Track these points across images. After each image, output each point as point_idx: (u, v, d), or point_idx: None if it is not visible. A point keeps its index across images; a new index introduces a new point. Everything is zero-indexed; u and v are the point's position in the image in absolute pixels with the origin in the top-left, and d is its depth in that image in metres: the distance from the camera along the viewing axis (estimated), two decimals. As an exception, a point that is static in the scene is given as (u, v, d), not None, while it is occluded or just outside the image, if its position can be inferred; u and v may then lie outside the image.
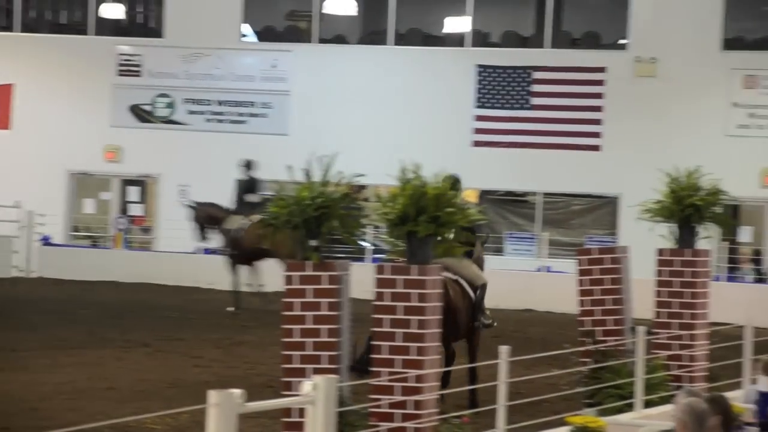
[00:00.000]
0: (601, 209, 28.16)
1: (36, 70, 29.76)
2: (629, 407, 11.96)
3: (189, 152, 29.13)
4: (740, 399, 11.08)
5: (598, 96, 27.65)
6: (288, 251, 21.25)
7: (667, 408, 10.42)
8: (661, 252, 13.72)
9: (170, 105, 29.46)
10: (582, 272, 13.67)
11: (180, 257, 26.89)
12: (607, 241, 26.50)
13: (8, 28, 30.67)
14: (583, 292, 13.58)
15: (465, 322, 13.60)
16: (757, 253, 26.38)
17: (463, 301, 13.57)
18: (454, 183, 13.77)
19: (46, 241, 27.97)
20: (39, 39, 30.26)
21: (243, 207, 23.01)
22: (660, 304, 13.61)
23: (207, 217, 23.17)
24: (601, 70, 27.67)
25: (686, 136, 26.78)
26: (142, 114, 29.59)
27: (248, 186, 23.24)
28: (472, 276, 13.70)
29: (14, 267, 27.28)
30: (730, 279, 25.01)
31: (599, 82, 27.68)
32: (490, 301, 17.55)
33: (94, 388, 14.12)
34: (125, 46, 29.79)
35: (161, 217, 29.31)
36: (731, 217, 25.00)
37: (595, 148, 27.60)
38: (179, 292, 25.11)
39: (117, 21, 31.27)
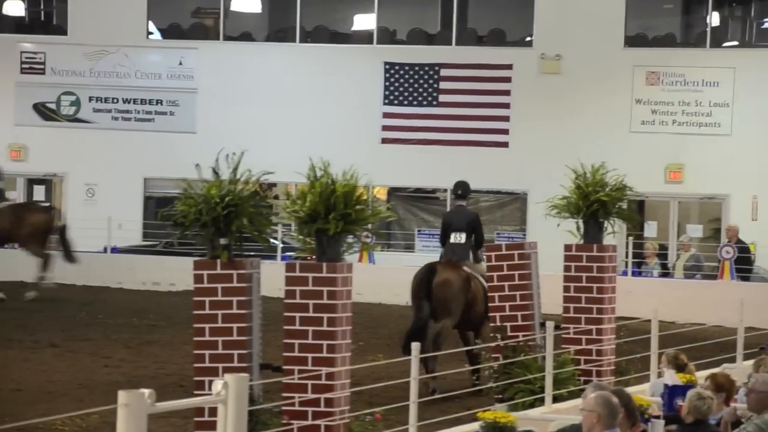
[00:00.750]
0: (510, 205, 28.40)
1: (-63, 69, 29.28)
2: (540, 402, 12.08)
3: (95, 150, 28.85)
4: (647, 392, 11.25)
5: (505, 93, 27.87)
6: (30, 237, 22.46)
7: (576, 402, 10.53)
8: (568, 247, 13.87)
9: (75, 103, 29.14)
10: (491, 268, 13.78)
11: (88, 256, 26.56)
12: (516, 237, 26.73)
13: None
14: (493, 288, 13.69)
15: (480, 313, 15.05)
16: (663, 247, 26.77)
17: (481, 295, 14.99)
18: (457, 190, 16.33)
19: (-51, 242, 27.49)
20: (-60, 37, 29.77)
21: None
22: (568, 299, 13.76)
23: None
24: (507, 67, 27.89)
25: (592, 132, 27.09)
26: (46, 112, 29.24)
27: None
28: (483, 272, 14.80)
29: None
30: (636, 273, 25.35)
31: (506, 79, 27.90)
32: (400, 299, 17.65)
33: (1, 390, 13.94)
34: (28, 43, 29.41)
35: (68, 216, 28.96)
36: (637, 212, 25.35)
37: (503, 144, 27.82)
38: (88, 291, 24.85)
39: (19, 18, 30.84)
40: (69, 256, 23.48)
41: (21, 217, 23.40)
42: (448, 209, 19.17)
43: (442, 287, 14.98)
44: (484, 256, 14.86)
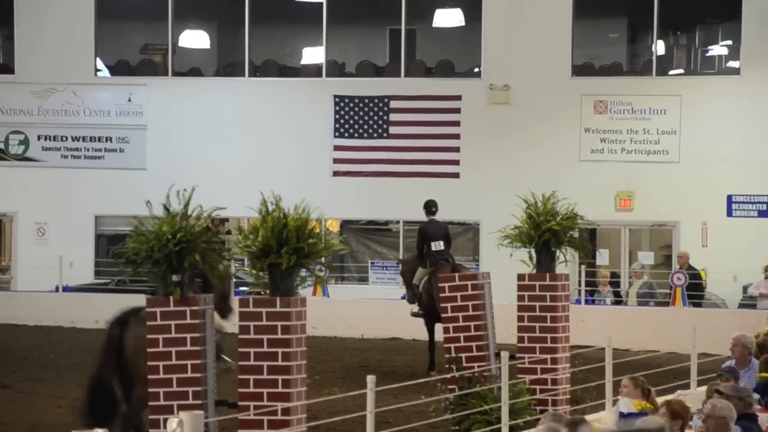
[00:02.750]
0: (463, 236, 28.45)
1: None
2: (496, 432, 12.08)
3: (45, 189, 28.65)
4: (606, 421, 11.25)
5: (455, 124, 27.96)
6: None
7: None
8: (521, 277, 13.92)
9: (24, 142, 28.96)
10: (444, 299, 13.80)
11: (39, 296, 26.38)
12: (469, 267, 26.75)
13: None
14: (447, 319, 13.71)
15: None
16: (615, 275, 26.90)
17: None
18: (428, 205, 19.49)
19: None
20: None
21: None
22: (522, 329, 13.80)
23: None
24: (456, 98, 28.00)
25: (542, 161, 27.22)
26: (-5, 151, 29.03)
27: None
28: None
29: None
30: (590, 302, 25.45)
31: (455, 110, 28.00)
32: (355, 332, 17.67)
33: (-48, 434, 13.79)
34: (-25, 82, 29.22)
35: (18, 256, 28.74)
36: (588, 240, 25.48)
37: (454, 175, 27.89)
38: (39, 331, 24.63)
39: (-34, 57, 30.65)
40: None
41: None
42: (425, 223, 20.05)
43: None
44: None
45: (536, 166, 26.94)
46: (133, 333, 11.81)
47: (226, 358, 12.26)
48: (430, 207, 19.82)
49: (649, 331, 22.50)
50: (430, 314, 18.73)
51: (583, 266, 25.20)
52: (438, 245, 19.19)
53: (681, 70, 29.21)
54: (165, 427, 6.51)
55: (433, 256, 19.13)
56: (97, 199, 28.44)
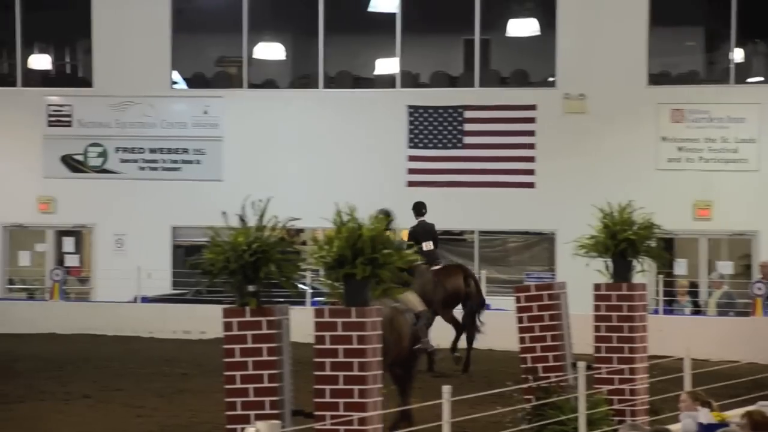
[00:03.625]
0: (538, 246, 28.33)
1: (-35, 123, 29.51)
2: (573, 442, 12.00)
3: (123, 201, 28.97)
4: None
5: (530, 133, 27.86)
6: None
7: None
8: (597, 287, 13.83)
9: (102, 154, 29.31)
10: (521, 309, 13.74)
11: (118, 306, 26.67)
12: (545, 277, 26.64)
13: (-64, 82, 30.39)
14: (523, 329, 13.65)
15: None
16: (693, 285, 26.63)
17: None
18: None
19: (-19, 296, 27.66)
20: (-33, 92, 30.02)
21: None
22: (599, 339, 13.71)
23: None
24: (531, 107, 27.89)
25: (618, 170, 27.03)
26: (74, 164, 29.40)
27: None
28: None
29: (-51, 323, 26.91)
30: (668, 312, 25.21)
31: (530, 120, 27.90)
32: (432, 342, 17.55)
33: (34, 443, 13.97)
34: (54, 96, 29.62)
35: (98, 266, 29.07)
36: (665, 250, 25.26)
37: (529, 185, 27.78)
38: (118, 341, 24.89)
39: (45, 71, 31.09)
40: None
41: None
42: (415, 224, 21.37)
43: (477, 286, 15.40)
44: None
45: (612, 175, 26.76)
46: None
47: (428, 339, 14.13)
48: (420, 209, 21.03)
49: (728, 341, 22.24)
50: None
51: (661, 276, 24.97)
52: (429, 245, 20.25)
53: (760, 78, 28.86)
54: (242, 436, 6.56)
55: (424, 257, 19.78)
56: (174, 210, 28.70)
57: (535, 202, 27.54)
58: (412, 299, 14.60)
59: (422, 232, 20.52)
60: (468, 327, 20.40)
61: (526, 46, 29.26)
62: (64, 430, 14.69)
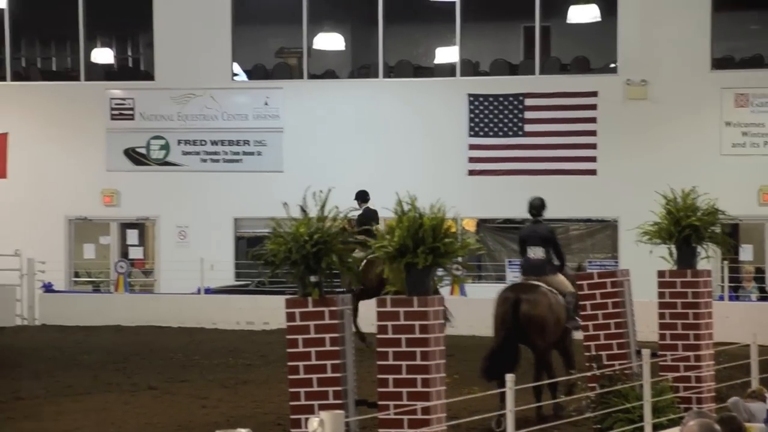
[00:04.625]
0: (601, 233, 28.17)
1: (30, 118, 29.80)
2: (639, 431, 11.92)
3: (186, 193, 29.15)
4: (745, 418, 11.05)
5: (592, 120, 27.69)
6: None
7: (675, 430, 10.38)
8: (661, 274, 13.72)
9: (164, 147, 29.50)
10: (584, 297, 13.68)
11: (182, 298, 26.84)
12: (608, 264, 26.48)
13: (0, 77, 30.73)
14: (586, 317, 13.59)
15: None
16: (759, 271, 26.36)
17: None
18: (364, 197, 19.51)
19: (47, 288, 27.93)
20: (31, 87, 30.32)
21: None
22: (663, 326, 13.61)
23: None
24: (592, 94, 27.72)
25: (681, 156, 26.81)
26: (137, 157, 29.62)
27: None
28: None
29: (17, 315, 27.22)
30: (733, 298, 24.98)
31: (591, 107, 27.73)
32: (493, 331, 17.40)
33: (101, 434, 14.10)
34: (117, 90, 29.85)
35: (161, 258, 29.30)
36: (730, 236, 25.02)
37: (591, 172, 27.62)
38: (182, 333, 25.06)
39: (108, 65, 31.35)
40: None
41: None
42: (363, 210, 22.02)
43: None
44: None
45: (675, 161, 26.55)
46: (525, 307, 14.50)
47: (576, 318, 14.50)
48: (365, 196, 22.37)
49: (795, 327, 21.97)
50: (364, 293, 19.78)
51: (726, 262, 24.73)
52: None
53: (825, 60, 28.49)
54: (306, 426, 6.55)
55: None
56: (236, 201, 28.84)
57: (597, 189, 27.38)
58: (563, 281, 15.05)
59: (367, 217, 21.44)
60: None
61: (586, 32, 29.07)
62: (130, 421, 14.81)
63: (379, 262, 11.24)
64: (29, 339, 24.40)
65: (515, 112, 28.02)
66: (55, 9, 30.67)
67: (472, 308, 24.14)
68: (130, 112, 29.63)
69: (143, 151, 29.53)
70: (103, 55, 31.25)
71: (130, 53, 32.73)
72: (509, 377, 10.16)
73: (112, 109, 29.68)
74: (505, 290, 15.25)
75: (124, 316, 26.57)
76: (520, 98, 28.03)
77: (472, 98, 28.22)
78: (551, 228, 16.80)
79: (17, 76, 30.64)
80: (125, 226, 29.87)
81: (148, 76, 30.18)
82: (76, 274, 29.94)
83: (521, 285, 15.47)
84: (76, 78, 30.31)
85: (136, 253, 29.77)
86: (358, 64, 30.44)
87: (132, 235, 29.83)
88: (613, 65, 28.07)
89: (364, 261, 18.72)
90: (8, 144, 29.62)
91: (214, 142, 29.27)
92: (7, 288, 27.12)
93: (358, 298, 20.01)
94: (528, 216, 16.43)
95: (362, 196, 22.45)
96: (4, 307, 26.95)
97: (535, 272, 15.40)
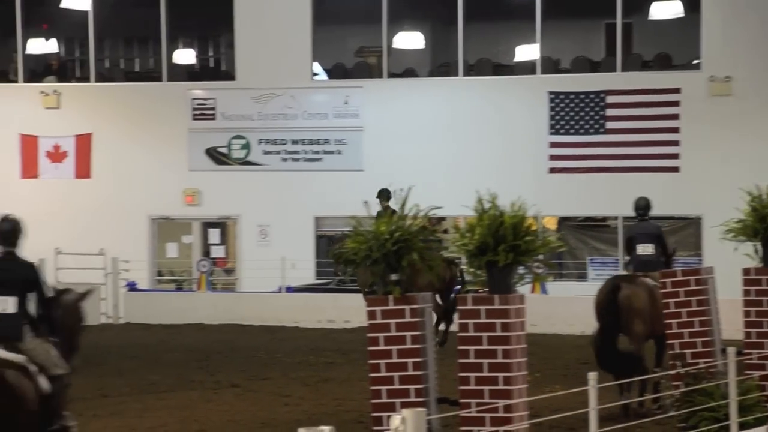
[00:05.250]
0: (684, 230, 27.89)
1: (113, 119, 30.15)
2: (725, 430, 11.79)
3: (266, 192, 29.32)
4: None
5: (674, 117, 27.43)
6: None
7: (763, 429, 10.27)
8: (747, 271, 13.56)
9: (245, 146, 29.69)
10: (667, 295, 13.56)
11: (263, 297, 27.02)
12: (692, 262, 26.20)
13: (84, 78, 31.13)
14: (670, 315, 13.47)
15: None
16: None
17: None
18: (387, 195, 19.48)
19: (131, 287, 28.25)
20: (114, 88, 30.67)
21: None
22: (749, 324, 13.46)
23: None
24: (675, 91, 27.46)
25: (766, 153, 26.47)
26: (218, 156, 29.84)
27: None
28: None
29: (102, 314, 27.56)
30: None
31: (674, 103, 27.47)
32: (575, 329, 17.43)
33: (186, 431, 14.22)
34: (198, 90, 30.09)
35: (243, 257, 29.50)
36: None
37: (674, 169, 27.36)
38: (264, 331, 25.21)
39: (189, 66, 31.63)
40: None
41: None
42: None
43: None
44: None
45: (760, 158, 26.21)
46: (624, 294, 14.48)
47: None
48: (389, 194, 21.01)
49: None
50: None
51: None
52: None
53: None
54: (388, 424, 6.56)
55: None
56: (317, 200, 28.95)
57: (680, 186, 27.12)
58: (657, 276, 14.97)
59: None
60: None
61: (669, 28, 28.80)
62: (213, 419, 14.93)
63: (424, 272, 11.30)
64: (114, 337, 24.69)
65: (596, 109, 27.84)
66: (138, 11, 31.03)
67: (553, 306, 24.04)
68: (212, 112, 29.86)
69: (224, 150, 29.75)
70: (185, 56, 31.54)
71: (211, 54, 32.99)
72: (591, 375, 10.08)
73: (194, 109, 29.93)
74: (607, 280, 15.36)
75: (207, 314, 26.79)
76: (602, 95, 27.84)
77: (552, 96, 28.08)
78: (659, 225, 16.80)
79: (101, 77, 31.01)
80: (207, 225, 30.11)
81: (229, 76, 30.40)
82: (159, 273, 30.25)
83: (625, 276, 15.53)
84: (159, 78, 30.61)
85: (218, 252, 30.00)
86: (438, 63, 30.42)
87: (214, 234, 30.07)
88: (696, 61, 27.78)
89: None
90: (92, 144, 30.01)
91: (294, 142, 29.40)
92: (92, 287, 27.41)
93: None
94: (633, 215, 16.74)
95: (386, 195, 21.64)
96: (89, 306, 27.22)
97: (646, 268, 15.33)
